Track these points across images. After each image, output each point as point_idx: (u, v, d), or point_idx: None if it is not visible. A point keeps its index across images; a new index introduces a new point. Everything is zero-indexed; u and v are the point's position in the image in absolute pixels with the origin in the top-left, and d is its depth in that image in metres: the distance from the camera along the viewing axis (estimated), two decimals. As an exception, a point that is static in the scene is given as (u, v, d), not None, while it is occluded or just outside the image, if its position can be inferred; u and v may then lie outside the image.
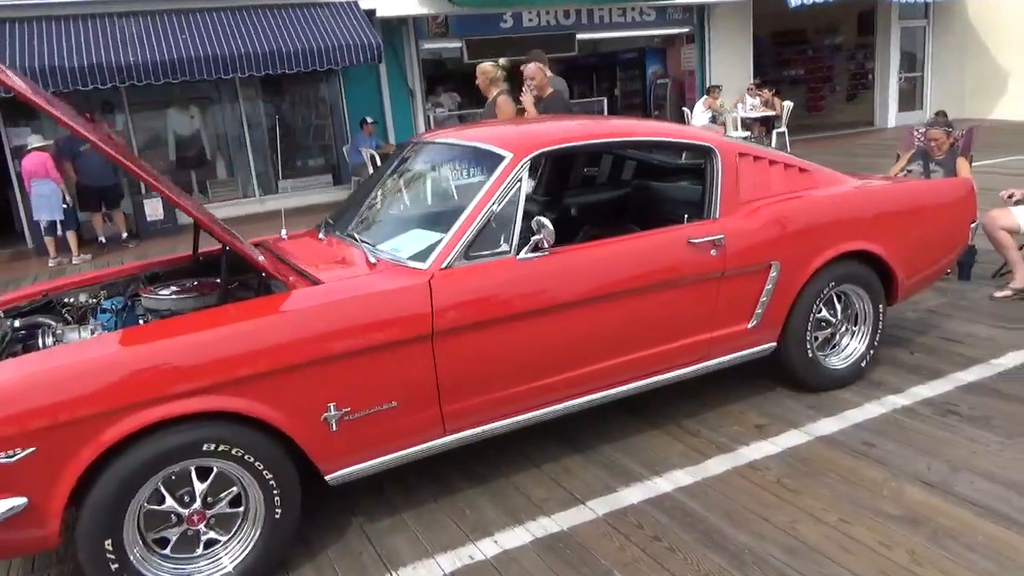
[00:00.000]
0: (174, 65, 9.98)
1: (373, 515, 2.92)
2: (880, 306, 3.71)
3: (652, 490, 2.94)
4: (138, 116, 11.54)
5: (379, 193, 3.51)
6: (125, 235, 10.31)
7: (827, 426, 3.35)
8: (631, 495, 2.93)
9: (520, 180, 2.91)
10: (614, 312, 3.01)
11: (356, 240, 3.13)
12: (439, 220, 2.97)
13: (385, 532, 2.82)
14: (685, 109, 14.31)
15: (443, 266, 2.73)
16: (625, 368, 3.10)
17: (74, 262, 9.15)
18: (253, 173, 12.11)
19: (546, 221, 2.82)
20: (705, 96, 14.16)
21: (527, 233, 2.87)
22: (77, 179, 9.80)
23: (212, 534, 2.50)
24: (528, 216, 2.87)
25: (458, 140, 3.26)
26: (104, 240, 10.12)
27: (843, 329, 3.73)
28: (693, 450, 3.23)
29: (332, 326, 2.50)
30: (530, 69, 5.76)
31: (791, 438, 3.27)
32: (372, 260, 2.87)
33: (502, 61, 5.76)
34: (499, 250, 2.84)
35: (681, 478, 3.02)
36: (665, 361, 3.20)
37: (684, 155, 4.11)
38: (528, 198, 4.29)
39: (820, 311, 3.61)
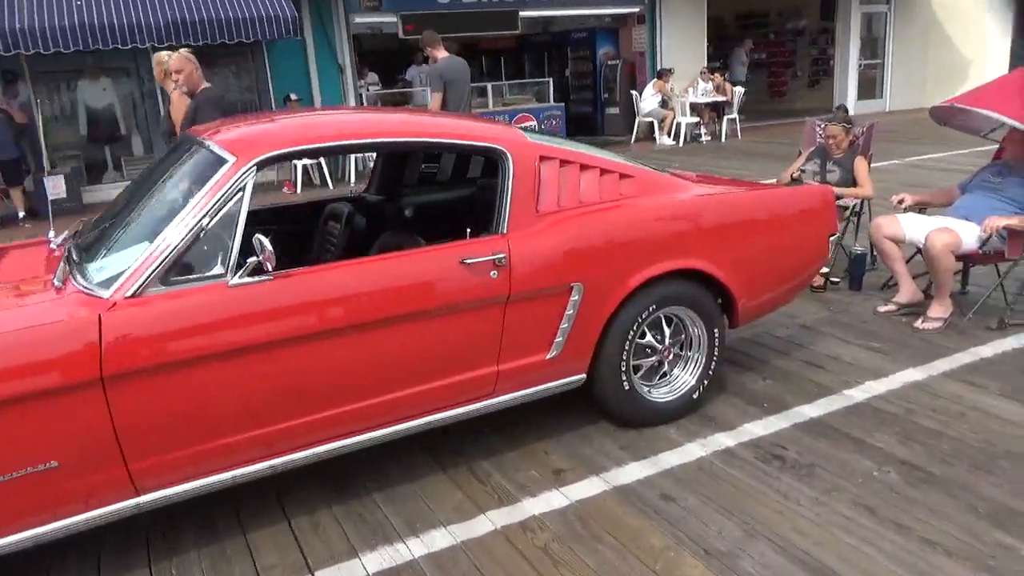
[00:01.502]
0: (83, 31, 9.36)
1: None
2: (716, 331, 3.29)
3: (394, 558, 2.51)
4: (44, 87, 10.90)
5: (130, 196, 3.02)
6: (22, 214, 9.74)
7: (632, 472, 2.93)
8: (370, 563, 2.49)
9: (243, 189, 2.44)
10: (363, 346, 2.56)
11: (72, 255, 2.66)
12: (155, 236, 2.49)
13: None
14: (634, 92, 13.81)
15: (129, 294, 2.26)
16: (382, 410, 2.66)
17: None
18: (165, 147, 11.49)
19: (265, 240, 2.36)
20: (655, 79, 13.68)
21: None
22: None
23: None
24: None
25: (203, 137, 2.78)
26: (-4, 218, 9.58)
27: (671, 357, 3.30)
28: (471, 501, 2.81)
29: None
30: (176, 60, 4.83)
31: (586, 487, 2.85)
32: (58, 284, 2.40)
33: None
34: (211, 273, 2.38)
35: (437, 539, 2.59)
36: (435, 400, 2.76)
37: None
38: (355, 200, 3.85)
39: (644, 336, 3.18)
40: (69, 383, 2.14)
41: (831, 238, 3.60)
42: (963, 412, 3.26)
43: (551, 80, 13.94)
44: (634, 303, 3.04)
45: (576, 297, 2.89)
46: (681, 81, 14.00)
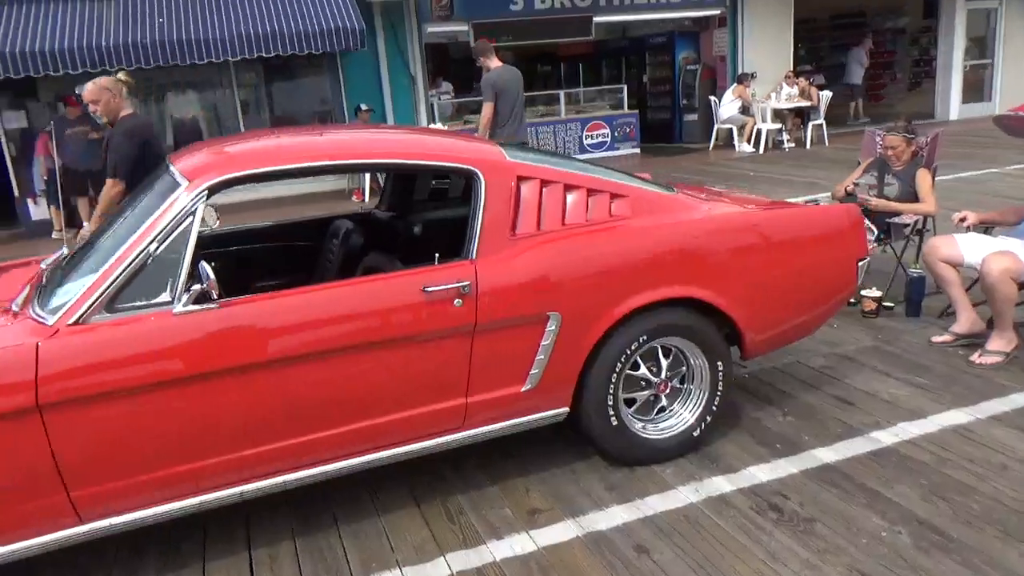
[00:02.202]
0: (170, 47, 9.85)
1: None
2: (719, 364, 3.02)
3: (335, 599, 2.40)
4: (135, 101, 11.48)
5: (113, 219, 3.04)
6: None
7: (611, 517, 2.72)
8: (312, 603, 2.40)
9: (192, 214, 2.40)
10: (315, 376, 2.46)
11: (42, 280, 2.69)
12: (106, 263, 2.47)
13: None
14: (712, 99, 13.32)
15: (71, 321, 2.25)
16: (337, 443, 2.55)
17: (53, 236, 9.45)
18: (247, 160, 11.91)
19: (208, 268, 2.30)
20: (735, 85, 13.16)
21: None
22: (62, 162, 9.82)
23: None
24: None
25: (170, 161, 2.76)
26: (85, 225, 10.14)
27: (669, 391, 3.06)
28: (434, 541, 2.66)
29: None
30: (90, 91, 4.34)
31: (558, 532, 2.66)
32: (16, 309, 2.42)
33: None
34: (157, 301, 2.33)
35: (386, 582, 2.47)
36: (397, 433, 2.63)
37: None
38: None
39: (637, 367, 2.96)
40: (6, 410, 2.14)
41: (860, 263, 3.25)
42: (1005, 465, 2.87)
43: (625, 87, 13.64)
44: (622, 333, 2.83)
45: (553, 327, 2.71)
46: (765, 86, 13.41)
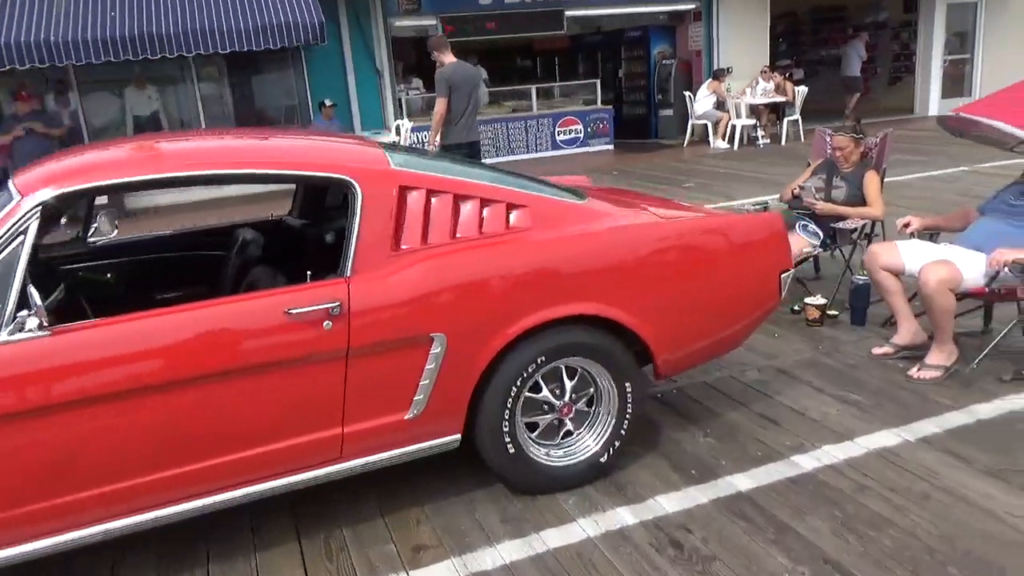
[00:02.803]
0: (129, 42, 9.56)
1: None
2: (627, 385, 2.82)
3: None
4: (92, 96, 11.21)
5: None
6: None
7: (499, 555, 2.51)
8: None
9: (24, 232, 2.18)
10: (162, 410, 2.24)
11: None
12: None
13: None
14: (687, 94, 13.12)
15: None
16: (202, 477, 2.34)
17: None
18: (209, 157, 11.65)
19: (35, 293, 2.09)
20: (710, 80, 12.97)
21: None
22: (8, 164, 9.55)
23: None
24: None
25: (13, 174, 2.53)
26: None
27: (573, 414, 2.86)
28: (304, 582, 2.46)
29: None
30: None
31: (437, 574, 2.46)
32: None
33: None
34: (-19, 328, 2.12)
35: (241, 632, 2.26)
36: (266, 467, 2.42)
37: None
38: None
39: (539, 390, 2.76)
40: None
41: (783, 275, 3.06)
42: (927, 494, 2.69)
43: (599, 81, 13.42)
44: (517, 355, 2.63)
45: (438, 350, 2.50)
46: (741, 81, 13.21)
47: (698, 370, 3.82)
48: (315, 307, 2.34)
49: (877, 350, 3.89)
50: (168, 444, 2.28)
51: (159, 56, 9.93)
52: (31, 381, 2.11)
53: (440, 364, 2.52)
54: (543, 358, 2.66)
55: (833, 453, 2.99)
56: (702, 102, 12.87)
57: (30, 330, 2.11)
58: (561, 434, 2.88)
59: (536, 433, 2.83)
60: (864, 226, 4.60)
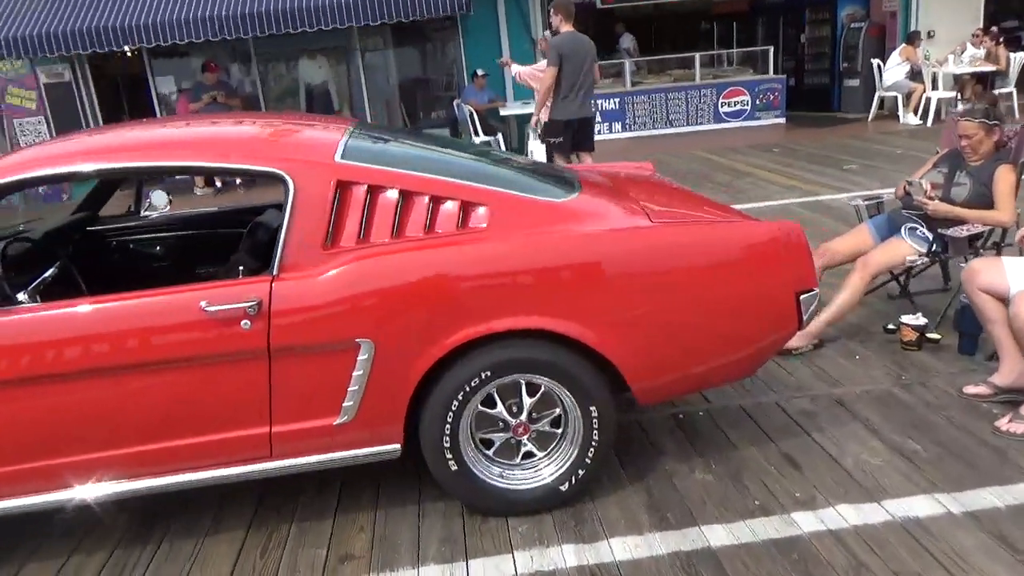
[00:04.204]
0: (303, 14, 10.17)
1: None
2: (593, 409, 2.52)
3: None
4: (269, 67, 12.07)
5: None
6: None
7: (415, 580, 2.36)
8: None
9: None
10: (96, 394, 2.31)
11: None
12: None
13: None
14: (876, 62, 11.68)
15: None
16: (134, 461, 2.39)
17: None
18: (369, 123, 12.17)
19: None
20: (903, 45, 11.45)
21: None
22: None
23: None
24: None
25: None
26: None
27: (533, 434, 2.60)
28: (226, 576, 2.46)
29: None
30: None
31: (348, 589, 2.36)
32: None
33: None
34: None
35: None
36: (193, 457, 2.42)
37: None
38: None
39: (495, 405, 2.54)
40: None
41: (803, 296, 2.56)
42: (941, 587, 2.16)
43: (771, 48, 12.31)
44: (458, 367, 2.42)
45: (365, 356, 2.36)
46: (943, 46, 11.55)
47: (740, 390, 3.38)
48: (232, 305, 2.28)
49: (970, 389, 3.21)
50: (100, 428, 2.35)
51: (330, 27, 10.44)
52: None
53: (369, 371, 2.37)
54: (488, 373, 2.43)
55: (845, 516, 2.49)
56: (893, 71, 11.40)
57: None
58: (521, 455, 2.64)
59: (492, 451, 2.62)
60: (990, 233, 3.79)
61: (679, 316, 2.49)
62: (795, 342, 3.73)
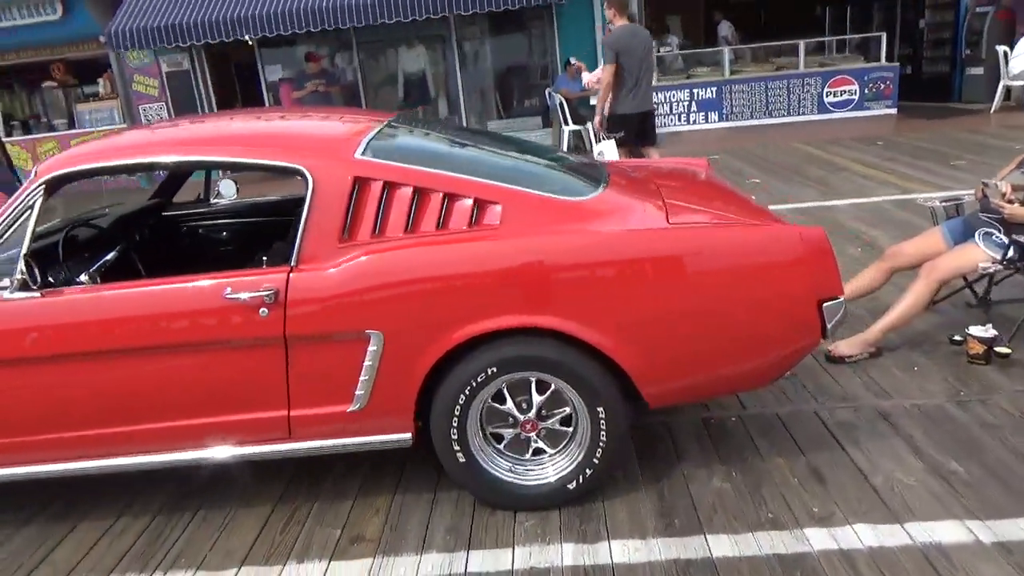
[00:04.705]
0: (401, 3, 10.45)
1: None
2: (600, 410, 2.51)
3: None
4: (370, 56, 12.45)
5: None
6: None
7: (416, 567, 2.43)
8: (96, 584, 2.50)
9: (31, 207, 2.54)
10: (126, 371, 2.51)
11: None
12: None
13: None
14: (1002, 49, 10.81)
15: (-66, 291, 2.54)
16: (161, 436, 2.58)
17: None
18: (463, 111, 12.35)
19: (31, 262, 2.44)
20: (1035, 29, 10.55)
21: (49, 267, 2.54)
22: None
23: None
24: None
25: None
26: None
27: (543, 432, 2.62)
28: (243, 551, 2.61)
29: None
30: None
31: (348, 570, 2.45)
32: None
33: None
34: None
35: (164, 581, 2.48)
36: (218, 434, 2.58)
37: None
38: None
39: (505, 401, 2.58)
40: None
41: (827, 304, 2.45)
42: (948, 620, 2.04)
43: (884, 35, 11.61)
44: (465, 362, 2.47)
45: (375, 347, 2.44)
46: (1083, 30, 10.54)
47: (780, 397, 3.28)
48: (251, 294, 2.42)
49: (1033, 409, 2.98)
50: (132, 403, 2.55)
51: (425, 17, 10.68)
52: (22, 333, 2.48)
53: (379, 362, 2.46)
54: (494, 369, 2.47)
55: (862, 536, 2.38)
56: (1020, 59, 10.50)
57: (27, 290, 2.47)
58: (531, 451, 2.66)
59: (503, 445, 2.66)
60: (1076, 242, 3.47)
61: (690, 321, 2.44)
62: (848, 350, 3.57)
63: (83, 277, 2.67)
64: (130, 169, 2.64)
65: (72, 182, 2.60)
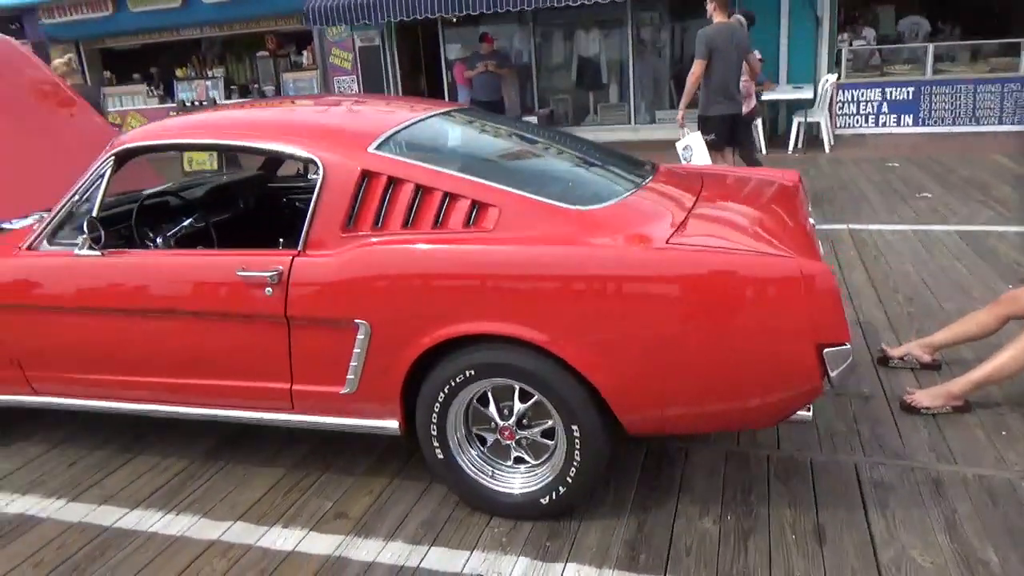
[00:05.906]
0: None
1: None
2: (575, 428, 2.43)
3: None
4: (546, 38, 12.53)
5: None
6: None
7: (374, 552, 2.52)
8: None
9: (102, 176, 2.88)
10: (158, 328, 2.80)
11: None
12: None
13: None
14: None
15: (26, 247, 2.98)
16: (180, 389, 2.87)
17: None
18: (631, 101, 12.11)
19: (96, 223, 2.78)
20: None
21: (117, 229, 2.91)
22: (471, 93, 11.35)
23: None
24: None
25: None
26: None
27: (525, 442, 2.59)
28: (241, 508, 2.83)
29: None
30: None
31: (319, 544, 2.59)
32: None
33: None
34: (72, 242, 2.92)
35: (144, 519, 2.76)
36: (233, 397, 2.81)
37: None
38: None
39: (488, 404, 2.59)
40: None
41: (828, 350, 2.19)
42: None
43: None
44: (447, 361, 2.50)
45: (362, 336, 2.53)
46: None
47: (827, 442, 3.00)
48: (258, 273, 2.59)
49: (1120, 504, 2.49)
50: (161, 356, 2.85)
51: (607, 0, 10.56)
52: (84, 286, 2.86)
53: (366, 350, 2.55)
54: (471, 372, 2.48)
55: (835, 610, 2.14)
56: None
57: (92, 249, 2.83)
58: (512, 459, 2.65)
59: (486, 448, 2.66)
60: None
61: (671, 348, 2.29)
62: (928, 400, 3.17)
63: (159, 240, 3.01)
64: (181, 148, 2.93)
65: (138, 156, 2.92)
